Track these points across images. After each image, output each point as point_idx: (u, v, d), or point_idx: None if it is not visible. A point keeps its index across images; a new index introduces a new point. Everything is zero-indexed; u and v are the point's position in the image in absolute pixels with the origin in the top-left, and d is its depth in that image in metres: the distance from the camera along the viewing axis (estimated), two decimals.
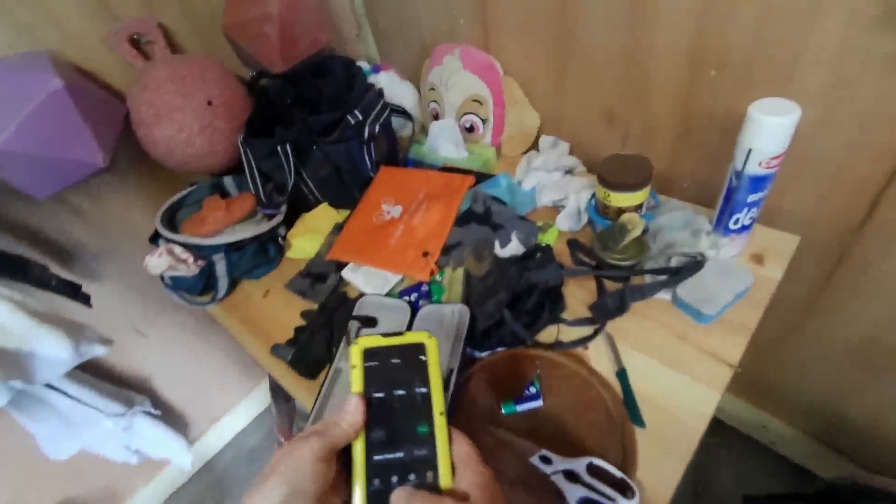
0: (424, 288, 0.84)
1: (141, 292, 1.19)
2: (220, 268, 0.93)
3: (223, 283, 0.94)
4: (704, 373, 0.65)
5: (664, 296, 0.75)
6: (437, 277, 0.84)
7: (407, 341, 0.40)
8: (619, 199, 0.79)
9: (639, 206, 0.81)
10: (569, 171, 1.00)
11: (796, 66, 0.69)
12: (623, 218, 0.77)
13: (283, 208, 1.01)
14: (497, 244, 0.84)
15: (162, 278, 0.92)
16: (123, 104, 0.93)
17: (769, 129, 0.62)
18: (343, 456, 0.35)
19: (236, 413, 1.64)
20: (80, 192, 1.01)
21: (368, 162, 1.04)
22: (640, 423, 0.62)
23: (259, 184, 1.01)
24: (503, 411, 0.65)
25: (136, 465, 1.25)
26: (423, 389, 0.38)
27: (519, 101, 1.08)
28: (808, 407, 1.12)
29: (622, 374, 0.67)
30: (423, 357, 0.39)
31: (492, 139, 1.12)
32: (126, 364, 1.25)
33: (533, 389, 0.65)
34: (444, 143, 1.10)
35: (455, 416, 0.65)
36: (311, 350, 0.79)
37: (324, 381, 0.72)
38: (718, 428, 1.33)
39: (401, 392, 0.38)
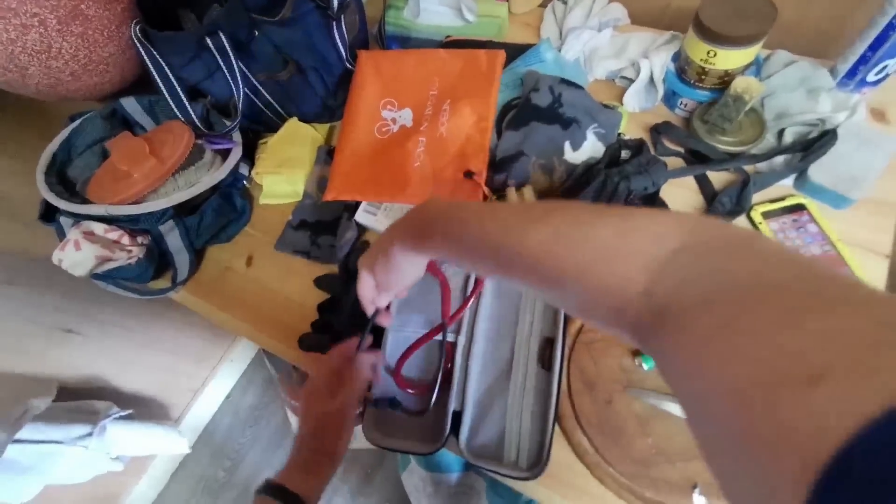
0: None
1: (55, 283, 0.86)
2: (174, 240, 0.64)
3: (183, 260, 0.66)
4: (857, 271, 0.54)
5: (784, 181, 0.61)
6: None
7: None
8: (727, 59, 0.59)
9: (746, 67, 0.61)
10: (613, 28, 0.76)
11: None
12: (737, 85, 0.58)
13: (238, 136, 0.70)
14: (567, 146, 0.62)
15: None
16: None
17: None
18: None
19: (217, 380, 1.43)
20: None
21: (342, 48, 0.72)
22: None
23: (186, 103, 0.67)
24: (644, 367, 0.51)
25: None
26: None
27: None
28: None
29: None
30: None
31: None
32: (72, 373, 0.95)
33: None
34: (438, 4, 0.78)
35: (573, 391, 0.51)
36: (351, 330, 0.58)
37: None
38: None
39: None
